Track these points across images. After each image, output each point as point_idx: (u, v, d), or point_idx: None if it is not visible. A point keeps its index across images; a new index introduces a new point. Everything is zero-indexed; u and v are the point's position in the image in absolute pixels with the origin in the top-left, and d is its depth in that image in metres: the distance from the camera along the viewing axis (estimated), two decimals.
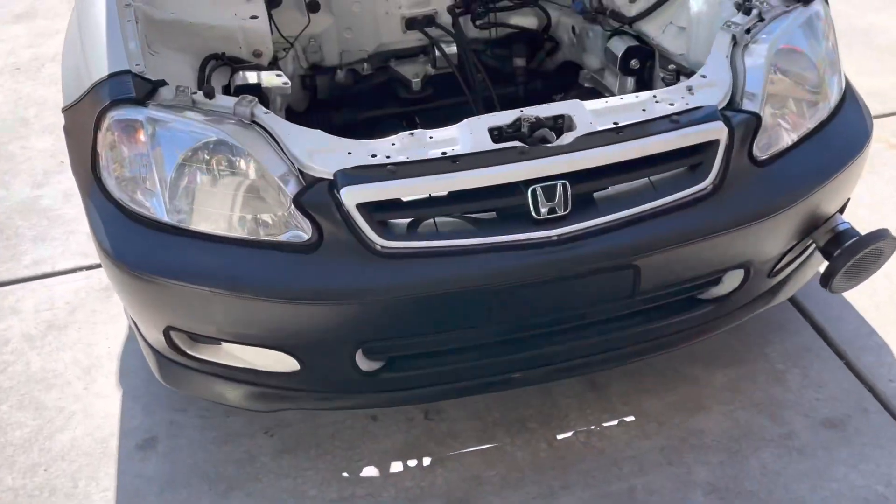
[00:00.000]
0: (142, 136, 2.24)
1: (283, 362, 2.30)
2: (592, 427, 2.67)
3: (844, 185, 2.51)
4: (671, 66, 2.78)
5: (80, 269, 3.42)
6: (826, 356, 2.88)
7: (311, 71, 3.46)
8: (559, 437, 2.65)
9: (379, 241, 2.14)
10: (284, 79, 2.62)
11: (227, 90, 2.62)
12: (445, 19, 3.44)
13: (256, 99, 2.28)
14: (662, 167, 2.27)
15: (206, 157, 2.22)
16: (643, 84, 3.07)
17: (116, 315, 3.16)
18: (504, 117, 2.27)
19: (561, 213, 2.18)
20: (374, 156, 2.19)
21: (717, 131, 2.26)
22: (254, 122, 2.25)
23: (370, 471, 2.58)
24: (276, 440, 2.68)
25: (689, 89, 2.37)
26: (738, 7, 2.70)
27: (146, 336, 2.44)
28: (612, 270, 2.22)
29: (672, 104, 2.32)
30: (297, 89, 3.38)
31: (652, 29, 3.02)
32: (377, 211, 2.15)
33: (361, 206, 2.12)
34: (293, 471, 2.59)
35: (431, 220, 2.20)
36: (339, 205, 2.12)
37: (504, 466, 2.57)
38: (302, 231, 2.16)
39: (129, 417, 2.76)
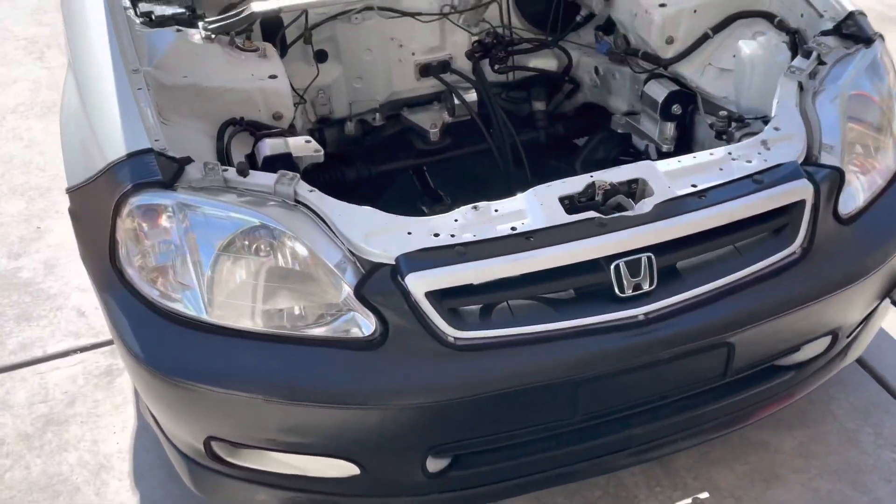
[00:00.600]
0: (171, 224, 1.98)
1: (338, 467, 2.05)
2: None
3: None
4: (722, 113, 2.61)
5: (74, 351, 3.11)
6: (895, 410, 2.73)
7: (318, 124, 3.22)
8: None
9: (451, 331, 1.91)
10: (315, 145, 2.37)
11: (250, 159, 2.36)
12: (461, 64, 3.24)
13: (298, 175, 2.04)
14: (747, 232, 2.09)
15: (248, 244, 1.97)
16: (685, 130, 2.90)
17: (122, 404, 2.87)
18: (574, 184, 2.07)
19: (646, 288, 1.98)
20: (436, 235, 1.97)
21: (802, 190, 2.09)
22: (298, 201, 2.01)
23: None
24: None
25: (765, 144, 2.19)
26: (792, 47, 2.56)
27: (178, 444, 2.16)
28: (705, 350, 2.03)
29: (749, 161, 2.15)
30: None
31: (690, 71, 2.86)
32: (447, 298, 1.92)
33: (430, 294, 1.89)
34: None
35: (505, 304, 1.98)
36: (406, 294, 1.89)
37: None
38: (363, 325, 1.92)
39: None
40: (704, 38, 2.83)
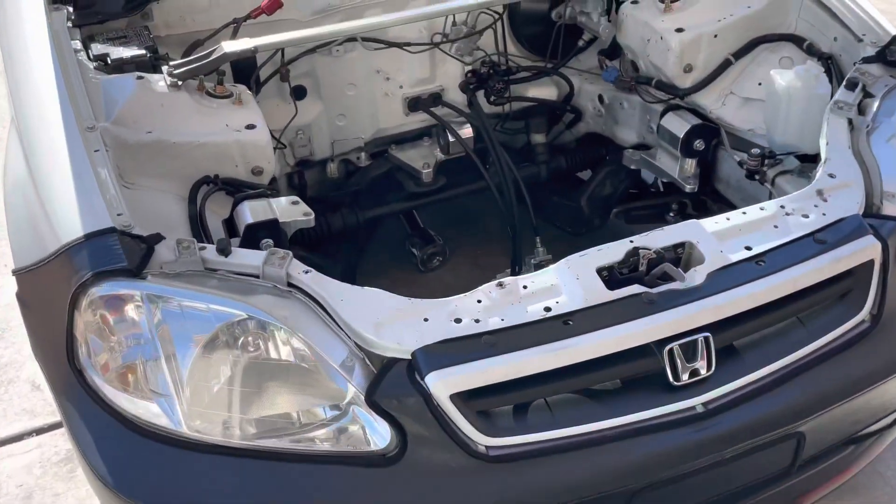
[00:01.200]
0: (140, 316, 1.66)
1: None
2: None
3: None
4: (755, 151, 2.34)
5: (29, 433, 2.76)
6: None
7: (297, 167, 2.90)
8: None
9: (483, 439, 1.61)
10: (304, 208, 2.05)
11: (229, 225, 2.04)
12: (453, 96, 2.95)
13: (290, 254, 1.73)
14: (810, 299, 1.82)
15: (233, 341, 1.65)
16: (707, 166, 2.63)
17: (87, 498, 2.52)
18: (613, 252, 1.78)
19: (704, 374, 1.70)
20: (458, 320, 1.67)
21: (870, 248, 1.83)
22: (291, 285, 1.69)
23: None
24: None
25: (821, 194, 1.93)
26: (829, 76, 2.31)
27: None
28: (773, 444, 1.76)
29: (806, 216, 1.88)
30: (283, 191, 2.81)
31: (709, 101, 2.60)
32: (476, 398, 1.62)
33: (456, 396, 1.59)
34: None
35: (542, 400, 1.69)
36: (427, 396, 1.59)
37: None
38: (377, 436, 1.62)
39: None
40: (726, 65, 2.57)
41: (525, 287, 1.74)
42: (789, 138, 2.30)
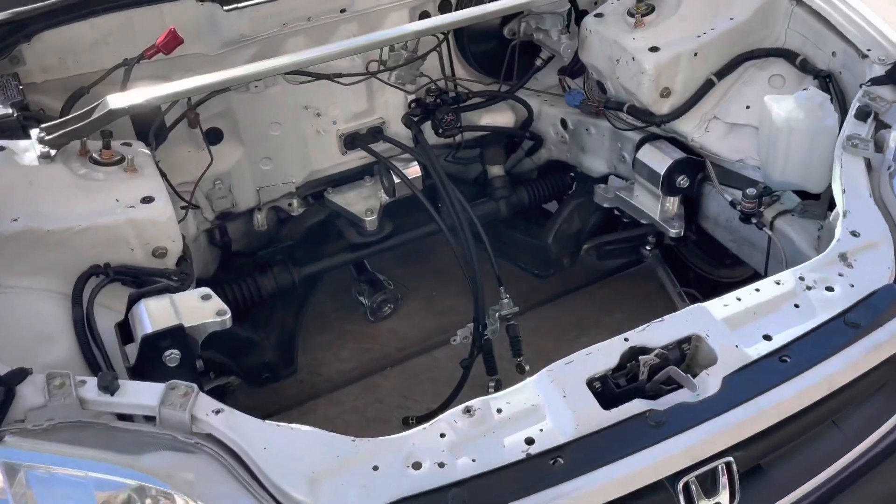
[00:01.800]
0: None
1: None
2: None
3: None
4: (751, 191, 2.01)
5: None
6: None
7: (219, 220, 2.49)
8: None
9: None
10: (218, 304, 1.65)
11: (124, 332, 1.64)
12: (396, 129, 2.56)
13: (196, 388, 1.34)
14: (845, 397, 1.49)
15: None
16: (691, 201, 2.30)
17: None
18: (605, 357, 1.43)
19: None
20: (417, 465, 1.30)
21: None
22: (197, 435, 1.31)
23: None
24: None
25: (844, 259, 1.60)
26: (837, 102, 1.99)
27: None
28: None
29: (831, 288, 1.55)
30: (202, 250, 2.41)
31: (690, 127, 2.26)
32: None
33: None
34: None
35: None
36: None
37: None
38: None
39: None
40: (708, 87, 2.23)
41: (499, 411, 1.38)
42: (790, 175, 1.97)
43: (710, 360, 1.44)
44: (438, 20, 2.10)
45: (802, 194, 2.05)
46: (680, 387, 1.40)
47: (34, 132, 1.76)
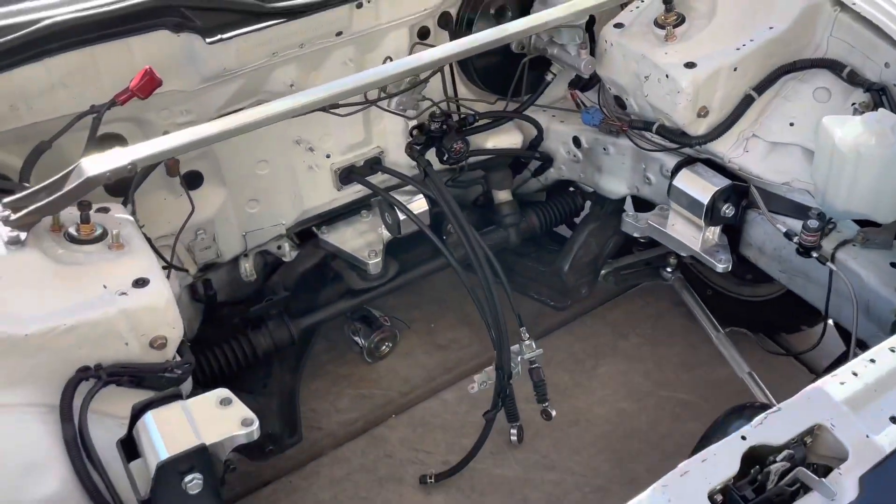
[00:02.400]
0: None
1: None
2: None
3: None
4: (812, 224, 1.82)
5: None
6: None
7: (202, 272, 2.20)
8: None
9: None
10: (243, 411, 1.36)
11: (128, 448, 1.36)
12: (394, 158, 2.29)
13: None
14: None
15: None
16: (732, 231, 2.10)
17: None
18: (723, 463, 1.21)
19: None
20: None
21: None
22: None
23: None
24: None
25: None
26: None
27: None
28: None
29: None
30: (184, 307, 2.11)
31: (727, 147, 2.06)
32: None
33: None
34: None
35: None
36: None
37: None
38: None
39: None
40: (748, 103, 2.03)
41: None
42: (856, 205, 1.78)
43: (836, 453, 1.24)
44: (458, 46, 1.83)
45: (862, 221, 1.87)
46: (808, 489, 1.21)
47: None
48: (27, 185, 1.65)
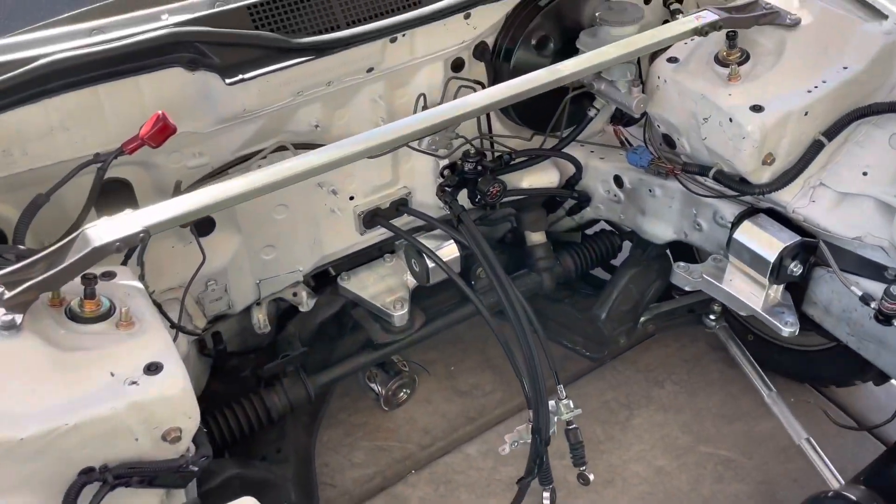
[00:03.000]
0: None
1: None
2: None
3: None
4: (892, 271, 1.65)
5: None
6: None
7: (211, 324, 2.00)
8: None
9: None
10: None
11: None
12: (422, 198, 2.11)
13: None
14: None
15: None
16: (796, 288, 1.93)
17: None
18: None
19: None
20: None
21: None
22: None
23: None
24: None
25: None
26: None
27: None
28: None
29: None
30: (191, 363, 1.92)
31: (791, 196, 1.88)
32: None
33: None
34: None
35: None
36: None
37: None
38: None
39: None
40: (816, 149, 1.85)
41: None
42: None
43: None
44: (507, 90, 1.63)
45: None
46: None
47: None
48: (22, 247, 1.46)
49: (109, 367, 1.27)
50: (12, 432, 1.16)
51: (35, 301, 1.27)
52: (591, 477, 2.09)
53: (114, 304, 1.34)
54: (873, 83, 1.85)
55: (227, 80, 1.55)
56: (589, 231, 2.51)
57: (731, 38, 1.84)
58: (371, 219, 2.03)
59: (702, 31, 1.77)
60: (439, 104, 1.94)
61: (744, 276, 1.91)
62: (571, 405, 2.01)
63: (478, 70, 2.02)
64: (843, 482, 2.02)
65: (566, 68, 1.68)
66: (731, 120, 1.80)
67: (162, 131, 1.49)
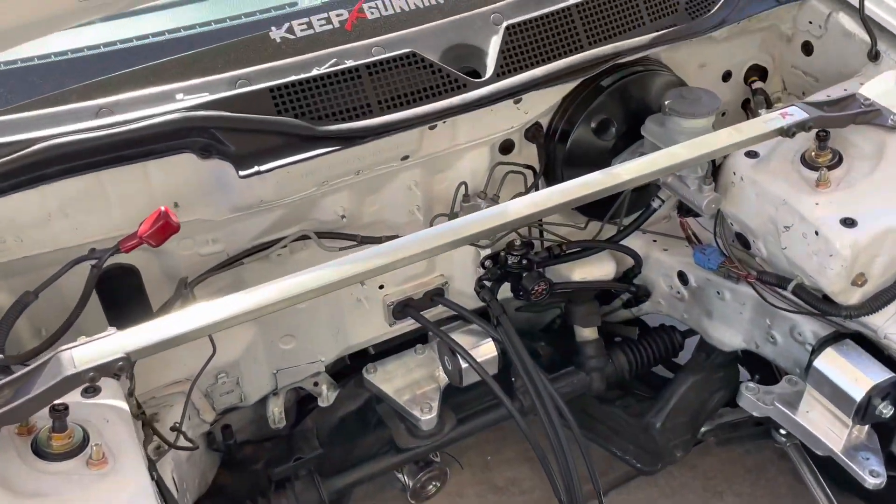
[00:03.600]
0: None
1: None
2: None
3: None
4: None
5: None
6: None
7: (221, 415, 1.83)
8: None
9: None
10: None
11: None
12: (460, 286, 1.91)
13: None
14: None
15: None
16: (885, 427, 1.67)
17: None
18: None
19: None
20: None
21: None
22: None
23: None
24: None
25: None
26: None
27: None
28: None
29: None
30: (197, 462, 1.76)
31: (883, 320, 1.62)
32: None
33: None
34: None
35: None
36: None
37: None
38: None
39: None
40: None
41: None
42: None
43: None
44: (566, 195, 1.44)
45: None
46: None
47: None
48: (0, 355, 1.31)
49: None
50: None
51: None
52: None
53: (87, 436, 1.18)
54: None
55: (241, 173, 1.38)
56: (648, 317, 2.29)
57: (823, 138, 1.60)
58: (402, 309, 1.84)
59: (788, 132, 1.54)
60: (483, 191, 1.76)
61: (823, 410, 1.66)
62: None
63: (529, 152, 1.82)
64: None
65: (635, 170, 1.47)
66: (816, 233, 1.56)
67: (163, 230, 1.32)
